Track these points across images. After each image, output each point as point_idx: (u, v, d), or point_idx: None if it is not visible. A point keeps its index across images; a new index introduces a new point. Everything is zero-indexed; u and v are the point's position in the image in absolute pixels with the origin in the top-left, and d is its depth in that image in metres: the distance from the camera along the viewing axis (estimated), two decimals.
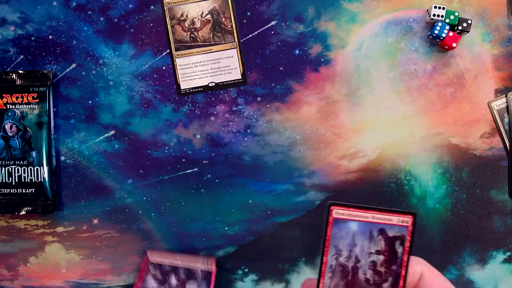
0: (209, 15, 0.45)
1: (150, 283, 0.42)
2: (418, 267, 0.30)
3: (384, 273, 0.30)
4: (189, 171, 0.46)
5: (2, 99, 0.44)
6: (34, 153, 0.44)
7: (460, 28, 0.44)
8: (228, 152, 0.46)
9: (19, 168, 0.44)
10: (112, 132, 0.46)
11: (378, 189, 0.45)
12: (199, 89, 0.45)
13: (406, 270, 0.30)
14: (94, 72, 0.45)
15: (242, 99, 0.45)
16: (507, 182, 0.45)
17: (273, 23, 0.45)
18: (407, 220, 0.30)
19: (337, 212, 0.30)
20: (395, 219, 0.30)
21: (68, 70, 0.45)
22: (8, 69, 0.45)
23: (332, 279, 0.30)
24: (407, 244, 0.30)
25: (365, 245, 0.30)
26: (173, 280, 0.42)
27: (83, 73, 0.45)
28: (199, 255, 0.44)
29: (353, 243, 0.30)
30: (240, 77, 0.45)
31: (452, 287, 0.30)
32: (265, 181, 0.46)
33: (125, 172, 0.46)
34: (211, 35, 0.45)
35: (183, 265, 0.43)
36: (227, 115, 0.45)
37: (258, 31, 0.45)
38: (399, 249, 0.30)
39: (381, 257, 0.30)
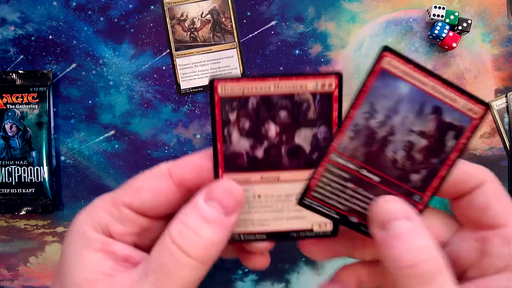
0: (209, 15, 0.45)
1: (238, 141, 0.25)
2: (482, 173, 0.24)
3: (419, 162, 0.24)
4: None
5: (2, 99, 0.44)
6: (34, 153, 0.44)
7: (460, 28, 0.43)
8: None
9: (19, 168, 0.44)
10: (112, 132, 0.46)
11: None
12: (199, 89, 0.45)
13: (448, 172, 0.24)
14: (94, 72, 0.45)
15: None
16: (507, 182, 0.45)
17: (273, 23, 0.45)
18: (477, 110, 0.23)
19: (390, 63, 0.23)
20: (461, 102, 0.23)
21: (68, 70, 0.45)
22: (8, 69, 0.45)
23: (352, 141, 0.24)
24: (463, 140, 0.23)
25: (408, 118, 0.23)
26: (272, 128, 0.25)
27: (83, 73, 0.45)
28: (307, 73, 0.25)
29: (395, 109, 0.23)
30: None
31: None
32: None
33: (125, 172, 0.46)
34: (211, 35, 0.45)
35: (280, 93, 0.24)
36: None
37: (258, 31, 0.45)
38: (450, 143, 0.23)
39: (423, 141, 0.23)
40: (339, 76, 0.24)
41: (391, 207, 0.23)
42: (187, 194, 0.26)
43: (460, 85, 0.23)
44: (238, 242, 0.27)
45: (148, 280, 0.22)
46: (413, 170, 0.24)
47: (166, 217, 0.27)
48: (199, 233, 0.23)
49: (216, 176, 0.26)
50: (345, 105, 0.25)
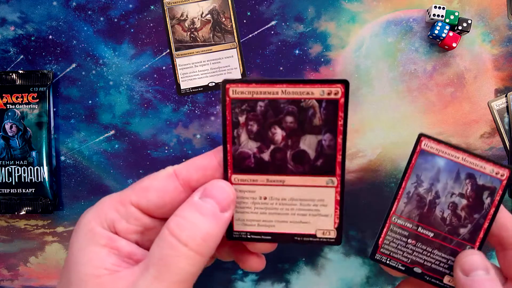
0: (209, 15, 0.45)
1: (246, 143, 0.26)
2: None
3: (464, 218, 0.28)
4: None
5: (2, 99, 0.44)
6: (34, 153, 0.44)
7: (460, 28, 0.43)
8: None
9: (19, 168, 0.44)
10: (112, 132, 0.46)
11: (378, 189, 0.45)
12: (199, 89, 0.45)
13: (490, 224, 0.28)
14: (94, 72, 0.45)
15: None
16: None
17: (273, 23, 0.45)
18: (503, 173, 0.28)
19: (426, 144, 0.28)
20: (488, 168, 0.28)
21: (68, 70, 0.45)
22: (8, 69, 0.45)
23: (406, 205, 0.29)
24: (497, 197, 0.28)
25: (449, 184, 0.28)
26: (278, 132, 0.26)
27: (83, 73, 0.45)
28: (315, 80, 0.25)
29: (436, 178, 0.28)
30: (240, 77, 0.45)
31: None
32: None
33: (125, 172, 0.46)
34: (211, 35, 0.45)
35: (287, 98, 0.26)
36: None
37: (258, 31, 0.45)
38: (487, 200, 0.28)
39: (464, 201, 0.28)
40: (345, 84, 0.25)
41: (475, 259, 0.27)
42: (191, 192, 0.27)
43: (484, 155, 0.28)
44: (245, 240, 0.28)
45: (149, 273, 0.23)
46: (461, 225, 0.29)
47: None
48: (197, 224, 0.24)
49: (226, 175, 0.27)
50: (350, 111, 0.26)
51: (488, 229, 0.28)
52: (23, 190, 0.44)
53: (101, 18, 0.45)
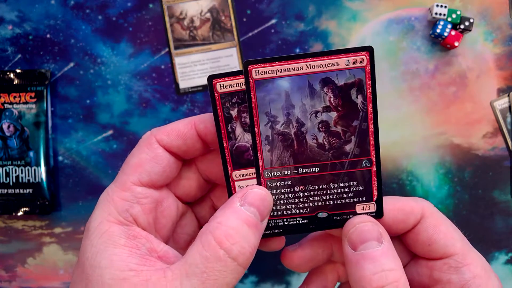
0: (208, 14, 0.45)
1: (242, 136, 0.26)
2: (418, 209, 0.26)
3: (343, 132, 0.24)
4: None
5: None
6: (31, 153, 0.44)
7: (462, 26, 0.43)
8: None
9: (17, 168, 0.44)
10: (110, 131, 0.45)
11: None
12: (198, 88, 0.45)
13: (376, 124, 0.24)
14: (92, 71, 0.45)
15: None
16: (509, 182, 0.45)
17: (273, 21, 0.45)
18: (361, 58, 0.23)
19: (258, 72, 0.24)
20: (342, 61, 0.23)
21: (66, 69, 0.45)
22: (6, 68, 0.45)
23: (272, 153, 0.25)
24: (369, 89, 0.24)
25: (307, 104, 0.24)
26: None
27: (81, 72, 0.45)
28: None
29: (289, 104, 0.24)
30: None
31: (462, 238, 0.26)
32: None
33: None
34: (211, 34, 0.45)
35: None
36: None
37: (258, 29, 0.45)
38: (358, 99, 0.24)
39: (334, 114, 0.24)
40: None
41: (363, 228, 0.24)
42: (176, 157, 0.27)
43: (328, 49, 0.24)
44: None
45: (192, 283, 0.22)
46: (344, 142, 0.24)
47: (166, 185, 0.28)
48: (246, 238, 0.23)
49: (226, 173, 0.26)
50: None
51: (377, 131, 0.24)
52: (21, 191, 0.44)
53: (99, 17, 0.45)
